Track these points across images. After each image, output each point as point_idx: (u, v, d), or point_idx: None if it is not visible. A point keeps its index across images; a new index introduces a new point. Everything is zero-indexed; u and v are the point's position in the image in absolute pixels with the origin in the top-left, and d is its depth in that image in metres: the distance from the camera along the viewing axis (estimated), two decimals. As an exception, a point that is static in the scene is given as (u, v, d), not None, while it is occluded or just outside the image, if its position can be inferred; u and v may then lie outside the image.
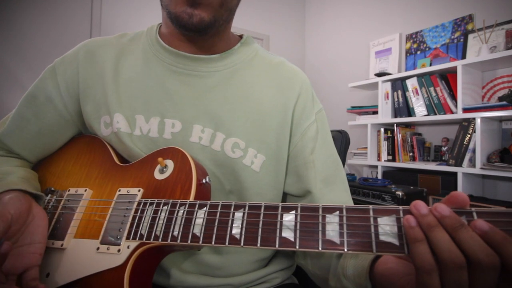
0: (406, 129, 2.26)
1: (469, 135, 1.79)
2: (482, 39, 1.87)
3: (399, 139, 2.21)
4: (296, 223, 0.37)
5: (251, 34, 3.16)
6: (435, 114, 1.99)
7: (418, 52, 2.31)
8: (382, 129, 2.27)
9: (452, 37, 2.11)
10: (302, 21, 3.32)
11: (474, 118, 1.76)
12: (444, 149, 2.10)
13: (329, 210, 0.37)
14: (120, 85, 0.58)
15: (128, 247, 0.45)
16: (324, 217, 0.36)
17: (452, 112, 1.91)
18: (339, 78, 2.92)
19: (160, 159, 0.50)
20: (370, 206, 0.35)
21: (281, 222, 0.38)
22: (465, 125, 1.82)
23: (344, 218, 0.35)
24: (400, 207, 0.34)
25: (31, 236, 0.47)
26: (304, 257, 0.59)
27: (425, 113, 2.04)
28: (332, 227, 0.35)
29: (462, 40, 2.06)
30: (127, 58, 0.60)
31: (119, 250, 0.45)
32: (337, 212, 0.36)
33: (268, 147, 0.57)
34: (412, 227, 0.31)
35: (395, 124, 2.24)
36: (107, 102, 0.58)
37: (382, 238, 0.33)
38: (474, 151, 1.76)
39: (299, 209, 0.38)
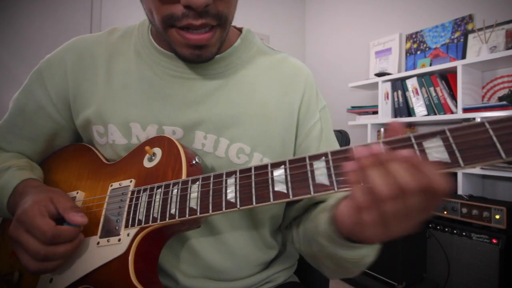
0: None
1: (469, 135, 1.79)
2: (482, 39, 1.87)
3: (399, 139, 2.21)
4: (286, 175, 0.38)
5: (251, 34, 3.12)
6: (435, 114, 1.98)
7: (418, 52, 2.31)
8: (382, 129, 2.27)
9: (452, 37, 2.11)
10: (302, 21, 3.32)
11: (474, 118, 1.76)
12: (444, 149, 2.09)
13: (315, 157, 0.38)
14: (114, 92, 0.55)
15: (128, 234, 0.45)
16: (311, 165, 0.38)
17: (452, 112, 1.91)
18: (339, 78, 2.91)
19: (147, 147, 0.50)
20: (352, 147, 0.36)
21: (272, 178, 0.39)
22: (465, 125, 1.82)
23: (330, 162, 0.37)
24: (380, 141, 0.35)
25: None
26: (298, 233, 0.57)
27: (425, 113, 2.04)
28: (320, 172, 0.37)
29: (462, 40, 2.05)
30: (119, 60, 0.57)
31: (119, 240, 0.46)
32: (323, 157, 0.37)
33: (273, 151, 0.55)
34: (351, 170, 0.33)
35: (395, 124, 2.24)
36: (100, 112, 0.55)
37: None
38: (474, 151, 1.76)
39: (287, 163, 0.39)
